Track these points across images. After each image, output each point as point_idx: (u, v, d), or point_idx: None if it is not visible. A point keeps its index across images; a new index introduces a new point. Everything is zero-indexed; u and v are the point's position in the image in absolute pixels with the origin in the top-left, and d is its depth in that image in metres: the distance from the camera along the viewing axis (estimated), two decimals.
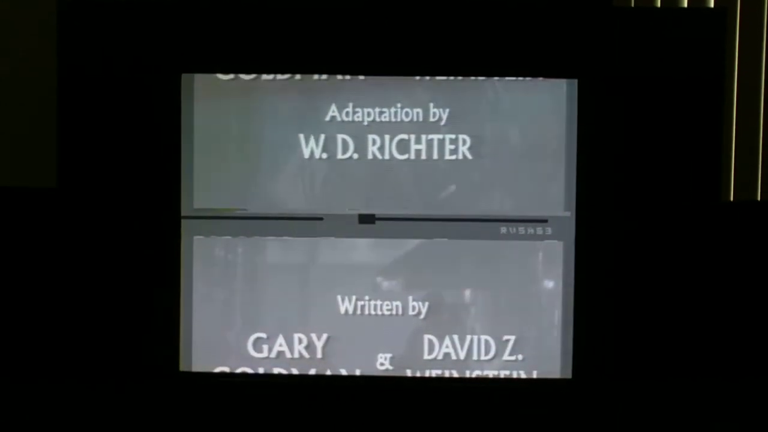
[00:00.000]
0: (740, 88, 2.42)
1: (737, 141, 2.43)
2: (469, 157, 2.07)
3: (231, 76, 2.06)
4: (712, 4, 2.42)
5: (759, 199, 2.42)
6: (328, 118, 2.07)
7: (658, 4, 2.42)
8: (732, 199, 2.42)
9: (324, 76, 2.06)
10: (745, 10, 2.42)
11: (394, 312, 2.08)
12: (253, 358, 2.09)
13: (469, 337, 2.09)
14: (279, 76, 2.06)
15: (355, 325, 2.08)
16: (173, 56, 2.05)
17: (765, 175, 2.43)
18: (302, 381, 2.09)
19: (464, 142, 2.07)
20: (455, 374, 2.09)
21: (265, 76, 2.06)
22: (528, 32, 2.06)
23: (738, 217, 2.14)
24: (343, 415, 2.09)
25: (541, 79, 2.05)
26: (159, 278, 2.06)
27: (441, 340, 2.09)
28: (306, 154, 2.07)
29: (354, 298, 2.08)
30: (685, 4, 2.42)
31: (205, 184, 2.07)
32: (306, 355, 2.09)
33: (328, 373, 2.09)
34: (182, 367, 2.08)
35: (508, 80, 2.06)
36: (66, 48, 2.05)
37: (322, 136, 2.07)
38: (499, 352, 2.09)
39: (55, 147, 2.08)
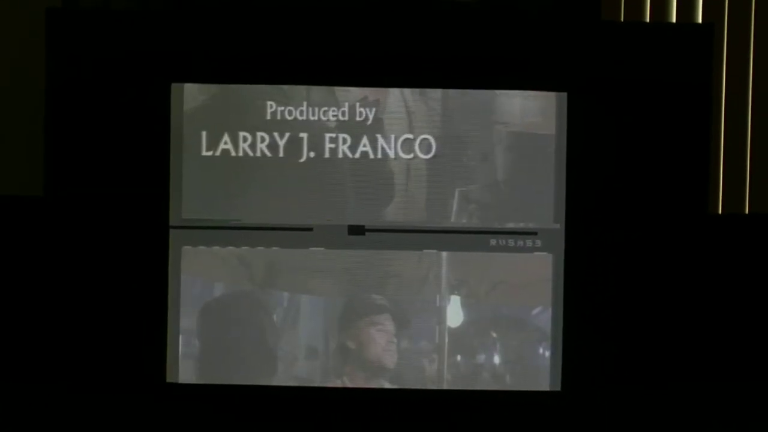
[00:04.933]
0: (728, 101, 2.44)
1: (725, 154, 2.45)
2: (459, 168, 2.07)
3: (220, 85, 2.06)
4: (700, 19, 2.43)
5: (747, 212, 2.44)
6: (318, 127, 2.06)
7: (647, 19, 2.43)
8: (720, 211, 2.43)
9: None
10: (732, 24, 2.43)
11: (383, 324, 2.07)
12: (240, 369, 2.08)
13: (458, 349, 2.08)
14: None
15: (345, 336, 2.07)
16: (163, 66, 2.04)
17: (753, 188, 2.45)
18: (290, 393, 2.08)
19: (454, 153, 2.06)
20: (444, 387, 2.08)
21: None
22: (518, 45, 2.07)
23: (726, 229, 2.15)
24: (333, 428, 2.07)
25: (530, 92, 2.06)
26: (146, 288, 2.05)
27: (430, 353, 2.08)
28: (296, 163, 2.06)
29: (344, 309, 2.07)
30: (674, 19, 2.44)
31: (193, 194, 2.06)
32: (294, 366, 2.08)
33: (317, 385, 2.08)
34: (169, 379, 2.07)
35: (498, 93, 2.06)
36: (54, 57, 2.04)
37: (314, 145, 2.06)
38: (488, 364, 2.08)
39: (41, 155, 2.06)
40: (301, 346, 2.08)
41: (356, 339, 2.07)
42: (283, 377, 2.08)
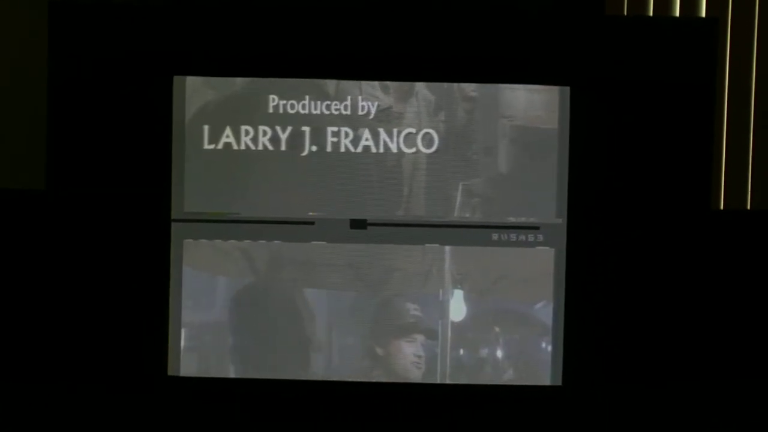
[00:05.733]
0: (731, 96, 2.44)
1: (728, 149, 2.44)
2: (461, 163, 2.06)
3: (223, 78, 2.05)
4: (703, 14, 2.43)
5: (749, 207, 2.44)
6: (320, 121, 2.06)
7: (651, 13, 2.43)
8: (722, 207, 2.43)
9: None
10: (736, 18, 2.43)
11: (384, 318, 2.07)
12: (242, 363, 2.08)
13: (459, 343, 2.08)
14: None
15: (347, 329, 2.07)
16: (165, 58, 2.04)
17: (755, 184, 2.45)
18: (292, 386, 2.08)
19: (456, 147, 2.06)
20: (446, 381, 2.08)
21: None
22: (521, 40, 2.06)
23: (728, 225, 2.15)
24: (335, 421, 2.08)
25: (534, 86, 2.06)
26: (148, 282, 2.05)
27: (432, 348, 2.08)
28: (298, 157, 2.06)
29: (345, 302, 2.07)
30: (677, 14, 2.43)
31: (195, 187, 2.06)
32: (296, 360, 2.08)
33: (320, 378, 2.08)
34: (170, 372, 2.07)
35: (501, 87, 2.06)
36: (56, 50, 2.04)
37: (316, 139, 2.06)
38: (489, 359, 2.08)
39: (43, 149, 2.06)
40: (302, 338, 2.08)
41: (357, 331, 2.07)
42: (286, 370, 2.08)
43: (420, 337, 2.07)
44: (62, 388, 2.06)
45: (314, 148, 2.06)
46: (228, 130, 2.06)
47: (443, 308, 2.07)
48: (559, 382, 2.07)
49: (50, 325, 2.05)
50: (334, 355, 2.08)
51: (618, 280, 2.07)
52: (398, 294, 2.07)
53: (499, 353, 2.08)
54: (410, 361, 2.08)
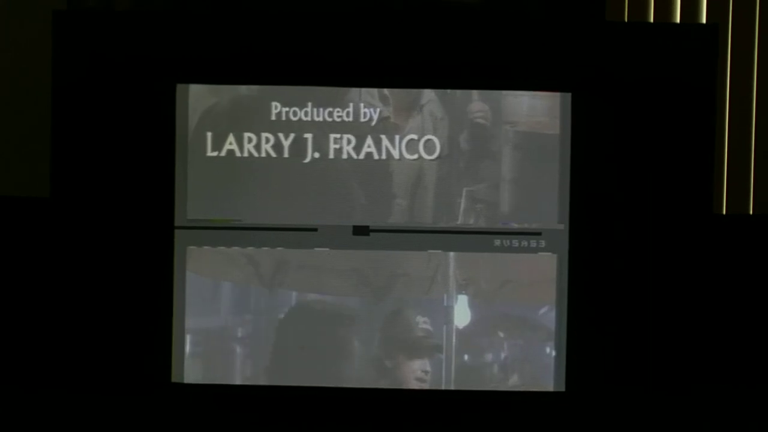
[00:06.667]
0: (732, 102, 2.44)
1: (730, 155, 2.45)
2: (462, 169, 2.07)
3: (226, 86, 2.06)
4: (704, 20, 2.44)
5: (751, 212, 2.44)
6: (322, 127, 2.07)
7: (651, 19, 2.43)
8: (725, 212, 2.43)
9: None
10: (736, 24, 2.44)
11: (390, 328, 2.07)
12: (245, 369, 2.08)
13: (463, 349, 2.08)
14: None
15: (349, 336, 2.08)
16: (168, 66, 2.05)
17: (757, 189, 2.45)
18: (296, 393, 2.08)
19: (457, 154, 2.07)
20: (452, 387, 2.08)
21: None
22: (523, 46, 2.07)
23: (730, 230, 2.15)
24: (340, 427, 2.08)
25: (535, 92, 2.06)
26: (151, 288, 2.05)
27: (434, 354, 2.08)
28: (301, 164, 2.07)
29: (348, 308, 2.07)
30: (678, 20, 2.44)
31: (198, 194, 2.06)
32: (299, 366, 2.08)
33: (324, 385, 2.08)
34: (174, 378, 2.07)
35: (503, 93, 2.06)
36: (60, 58, 2.05)
37: (318, 146, 2.07)
38: (492, 365, 2.08)
39: (47, 157, 2.07)
40: (305, 345, 2.08)
41: (360, 338, 2.08)
42: (289, 376, 2.08)
43: (428, 352, 2.07)
44: (66, 395, 2.06)
45: (317, 155, 2.07)
46: (231, 138, 2.07)
47: (448, 314, 2.08)
48: (563, 388, 2.07)
49: (54, 332, 2.06)
50: (339, 361, 2.08)
51: (621, 285, 2.07)
52: (403, 301, 2.07)
53: (503, 358, 2.08)
54: (416, 376, 2.08)
